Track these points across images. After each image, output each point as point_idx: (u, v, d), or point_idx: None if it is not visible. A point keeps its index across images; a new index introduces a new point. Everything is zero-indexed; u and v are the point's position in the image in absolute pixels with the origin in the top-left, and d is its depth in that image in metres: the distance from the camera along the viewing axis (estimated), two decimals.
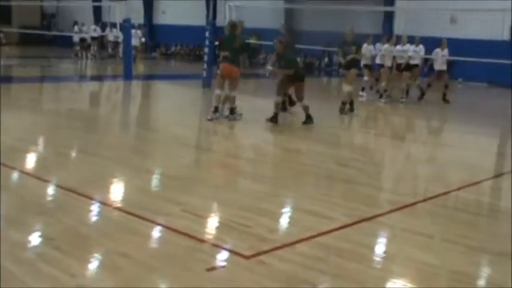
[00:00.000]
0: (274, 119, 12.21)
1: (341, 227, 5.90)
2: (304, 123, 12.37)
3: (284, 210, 6.64)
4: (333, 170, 8.84)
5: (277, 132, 12.29)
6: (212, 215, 6.35)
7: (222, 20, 22.72)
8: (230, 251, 5.11)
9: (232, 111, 12.39)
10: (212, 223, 6.04)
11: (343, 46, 14.52)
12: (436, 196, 7.35)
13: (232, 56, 12.25)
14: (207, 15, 20.29)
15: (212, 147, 10.55)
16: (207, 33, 18.47)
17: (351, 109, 14.58)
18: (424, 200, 7.19)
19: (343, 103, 14.42)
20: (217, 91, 12.37)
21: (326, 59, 31.56)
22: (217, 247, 5.20)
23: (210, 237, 5.54)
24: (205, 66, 18.62)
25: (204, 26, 19.32)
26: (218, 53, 12.41)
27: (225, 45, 12.45)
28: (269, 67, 14.07)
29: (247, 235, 5.54)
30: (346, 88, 14.44)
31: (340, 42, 14.82)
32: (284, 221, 6.29)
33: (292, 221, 6.28)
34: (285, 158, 9.80)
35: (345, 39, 14.49)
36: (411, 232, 5.92)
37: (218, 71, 12.40)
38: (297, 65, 12.74)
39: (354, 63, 14.62)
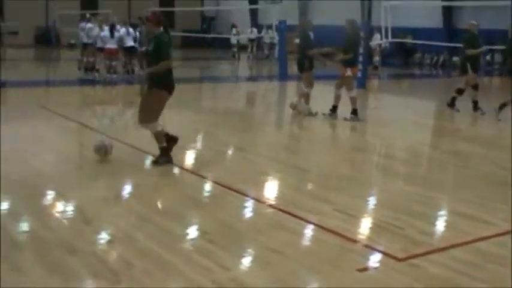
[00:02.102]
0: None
1: (500, 234, 5.61)
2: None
3: (438, 213, 6.43)
4: (490, 172, 8.41)
5: (433, 133, 11.95)
6: (364, 215, 6.28)
7: (377, 20, 22.45)
8: (382, 252, 5.03)
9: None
10: (364, 223, 5.98)
11: None
12: None
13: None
14: (362, 15, 20.12)
15: (365, 146, 10.44)
16: (362, 34, 18.28)
17: None
18: None
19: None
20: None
21: (487, 57, 29.97)
22: (369, 248, 5.15)
23: (362, 237, 5.50)
24: (360, 66, 18.45)
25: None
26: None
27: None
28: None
29: (399, 237, 5.43)
30: None
31: None
32: (438, 224, 6.09)
33: (446, 224, 6.07)
34: (439, 159, 9.47)
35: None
36: None
37: (351, 73, 12.18)
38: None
39: None
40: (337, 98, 12.30)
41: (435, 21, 29.17)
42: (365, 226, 5.91)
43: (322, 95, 13.66)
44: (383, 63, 27.91)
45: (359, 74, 16.50)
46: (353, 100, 12.22)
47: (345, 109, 12.32)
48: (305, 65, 12.42)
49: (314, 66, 12.69)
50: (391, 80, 25.70)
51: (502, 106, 12.64)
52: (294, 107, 12.66)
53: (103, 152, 8.03)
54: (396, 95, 19.56)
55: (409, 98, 18.91)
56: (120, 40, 19.23)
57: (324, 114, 12.32)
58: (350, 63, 12.16)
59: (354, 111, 12.20)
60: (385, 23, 21.16)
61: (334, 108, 12.28)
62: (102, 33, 18.86)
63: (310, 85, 12.57)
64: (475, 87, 13.37)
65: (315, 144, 10.48)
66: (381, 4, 21.68)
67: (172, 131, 10.73)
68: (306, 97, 12.58)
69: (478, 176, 8.12)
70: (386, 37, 21.61)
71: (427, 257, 4.95)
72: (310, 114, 12.39)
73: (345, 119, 12.14)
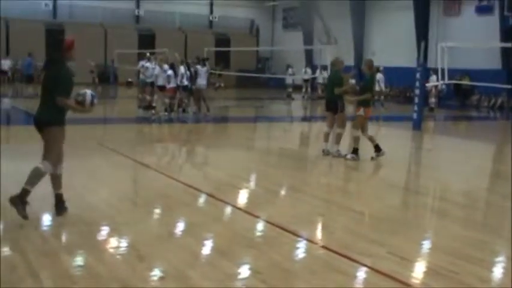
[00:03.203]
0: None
1: None
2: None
3: (496, 259, 6.25)
4: None
5: (490, 176, 11.71)
6: (419, 259, 6.16)
7: (434, 62, 22.29)
8: None
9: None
10: (418, 267, 5.86)
11: None
12: None
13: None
14: (418, 57, 19.99)
15: (420, 189, 10.28)
16: (417, 75, 18.19)
17: None
18: None
19: None
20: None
21: None
22: None
23: (416, 281, 5.39)
24: (415, 108, 18.31)
25: (415, 67, 19.06)
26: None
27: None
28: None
29: (455, 282, 5.30)
30: None
31: None
32: (496, 270, 5.92)
33: (504, 271, 5.88)
34: (496, 204, 9.24)
35: None
36: None
37: (363, 113, 12.04)
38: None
39: None
40: (356, 139, 12.15)
41: (494, 62, 28.79)
42: (419, 270, 5.79)
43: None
44: (439, 105, 27.61)
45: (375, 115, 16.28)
46: (356, 140, 12.12)
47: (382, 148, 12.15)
48: (338, 105, 12.34)
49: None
50: (448, 121, 25.36)
51: None
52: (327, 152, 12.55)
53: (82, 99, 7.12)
54: (452, 137, 19.27)
55: (465, 140, 18.61)
56: (180, 79, 19.62)
57: (345, 158, 12.09)
58: (364, 103, 12.08)
59: (355, 151, 12.06)
60: (442, 65, 20.98)
61: (355, 150, 12.12)
62: (169, 72, 19.18)
63: (343, 126, 12.46)
64: None
65: (367, 185, 10.38)
66: (438, 46, 21.53)
67: (225, 170, 10.88)
68: (339, 138, 12.43)
69: None
70: (443, 79, 21.40)
71: None
72: (339, 155, 12.24)
73: (345, 158, 12.01)
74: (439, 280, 5.36)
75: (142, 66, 21.40)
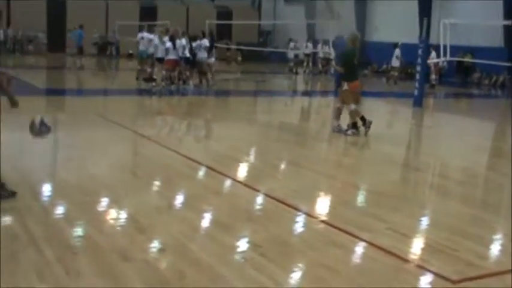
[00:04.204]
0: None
1: None
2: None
3: (495, 236, 6.27)
4: None
5: (490, 154, 11.71)
6: (417, 235, 6.18)
7: (436, 38, 22.17)
8: (435, 273, 4.94)
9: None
10: (417, 243, 5.88)
11: None
12: None
13: None
14: (420, 33, 19.86)
15: (420, 165, 10.29)
16: (419, 51, 18.10)
17: None
18: None
19: None
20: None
21: None
22: (422, 269, 5.06)
23: (415, 257, 5.40)
24: (417, 84, 18.24)
25: (417, 43, 18.96)
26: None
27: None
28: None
29: (454, 259, 5.32)
30: None
31: None
32: (494, 247, 5.94)
33: (503, 248, 5.90)
34: (496, 181, 9.26)
35: None
36: None
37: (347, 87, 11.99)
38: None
39: None
40: (352, 114, 12.07)
41: (496, 40, 28.65)
42: (418, 246, 5.81)
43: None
44: (440, 82, 27.54)
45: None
46: (351, 114, 12.05)
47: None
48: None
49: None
50: (448, 99, 25.32)
51: None
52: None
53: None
54: (453, 114, 19.25)
55: (466, 117, 18.61)
56: (181, 51, 19.55)
57: (346, 134, 12.03)
58: (346, 78, 12.03)
59: (353, 125, 12.02)
60: (444, 42, 20.86)
61: (353, 125, 12.09)
62: (167, 45, 19.12)
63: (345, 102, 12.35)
64: None
65: (368, 161, 10.39)
66: (440, 22, 21.39)
67: (226, 143, 10.88)
68: (339, 113, 12.36)
69: None
70: (445, 55, 21.30)
71: (482, 281, 4.85)
72: (340, 131, 12.22)
73: (345, 134, 11.98)
74: (438, 256, 5.37)
75: (143, 38, 21.30)
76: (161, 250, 5.24)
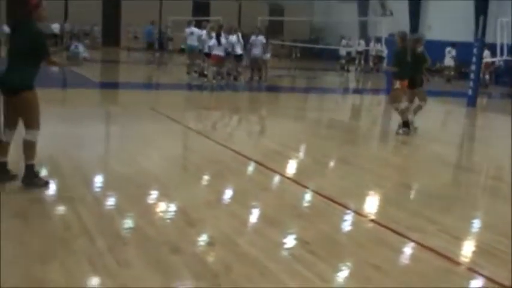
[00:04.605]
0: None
1: None
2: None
3: None
4: None
5: None
6: (469, 237, 6.07)
7: (492, 37, 21.70)
8: (487, 277, 4.84)
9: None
10: (469, 246, 5.77)
11: None
12: None
13: None
14: (476, 31, 19.43)
15: (473, 167, 10.10)
16: (475, 50, 17.76)
17: None
18: None
19: None
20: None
21: None
22: (473, 272, 4.97)
23: (466, 260, 5.31)
24: (471, 84, 17.91)
25: (472, 42, 18.59)
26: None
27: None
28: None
29: (506, 263, 5.20)
30: None
31: None
32: None
33: None
34: None
35: None
36: None
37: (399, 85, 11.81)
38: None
39: None
40: (402, 113, 11.91)
41: None
42: (469, 249, 5.70)
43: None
44: (497, 82, 26.96)
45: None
46: (401, 112, 11.88)
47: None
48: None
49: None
50: (504, 99, 24.75)
51: None
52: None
53: None
54: (507, 115, 18.80)
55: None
56: (230, 47, 19.66)
57: (397, 133, 11.92)
58: (398, 76, 11.83)
59: (405, 124, 11.85)
60: (501, 40, 20.42)
61: (404, 124, 11.94)
62: (211, 41, 19.30)
63: (410, 101, 12.22)
64: None
65: (420, 161, 10.24)
66: (497, 21, 20.94)
67: (276, 139, 10.89)
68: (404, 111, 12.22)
69: None
70: (501, 55, 20.85)
71: None
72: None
73: (397, 133, 11.83)
74: (490, 259, 5.27)
75: (192, 33, 21.49)
76: (210, 244, 5.27)
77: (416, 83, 12.11)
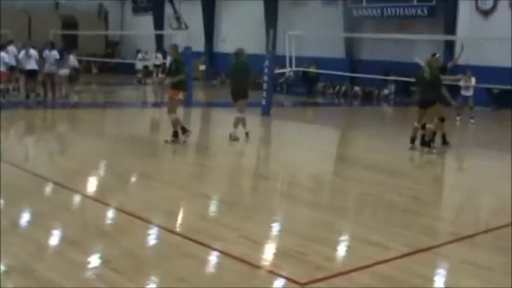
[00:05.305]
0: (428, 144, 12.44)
1: (399, 257, 5.81)
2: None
3: (341, 238, 6.57)
4: (391, 199, 8.68)
5: (335, 160, 12.26)
6: (269, 241, 6.35)
7: (282, 50, 22.87)
8: (285, 278, 5.10)
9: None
10: (268, 250, 6.04)
11: None
12: (497, 228, 7.15)
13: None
14: (267, 44, 20.46)
15: (269, 174, 10.56)
16: (266, 62, 18.63)
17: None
18: (485, 232, 7.02)
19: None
20: None
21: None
22: (273, 274, 5.20)
23: (266, 263, 5.54)
24: (264, 94, 18.74)
25: (264, 54, 19.48)
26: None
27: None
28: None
29: (303, 262, 5.52)
30: None
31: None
32: (341, 249, 6.24)
33: (348, 249, 6.21)
34: (342, 187, 9.70)
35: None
36: (470, 264, 5.79)
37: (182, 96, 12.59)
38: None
39: None
40: (175, 122, 12.35)
41: (338, 51, 29.99)
42: (269, 252, 5.97)
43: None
44: (288, 92, 28.47)
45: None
46: (174, 123, 12.31)
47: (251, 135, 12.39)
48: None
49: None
50: (295, 108, 26.16)
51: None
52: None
53: None
54: (300, 122, 19.86)
55: (312, 125, 19.29)
56: (20, 63, 18.86)
57: (166, 141, 12.29)
58: (179, 86, 12.37)
59: (175, 133, 12.28)
60: (290, 52, 21.62)
61: (175, 134, 12.33)
62: None
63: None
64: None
65: (220, 171, 10.48)
66: (286, 34, 22.16)
67: (75, 158, 10.56)
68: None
69: (379, 203, 8.35)
70: (290, 66, 22.07)
71: (329, 281, 5.07)
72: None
73: (165, 141, 12.24)
74: (287, 261, 5.55)
75: None
76: (5, 273, 4.96)
77: (238, 95, 12.59)
